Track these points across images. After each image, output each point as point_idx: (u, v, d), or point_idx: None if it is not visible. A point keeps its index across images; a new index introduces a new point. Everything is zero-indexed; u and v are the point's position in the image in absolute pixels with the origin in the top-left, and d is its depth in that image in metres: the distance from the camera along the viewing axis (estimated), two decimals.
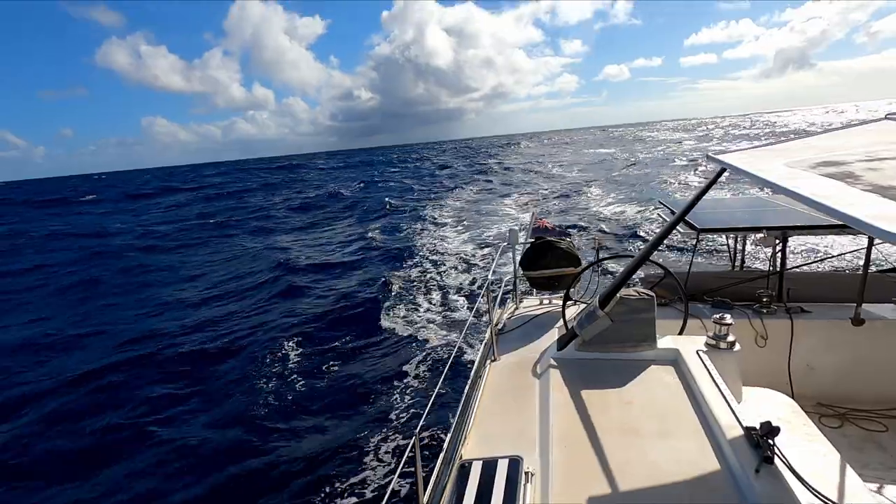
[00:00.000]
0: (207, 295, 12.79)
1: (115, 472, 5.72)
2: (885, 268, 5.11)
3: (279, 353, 8.44)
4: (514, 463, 2.09)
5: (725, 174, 2.83)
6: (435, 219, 21.20)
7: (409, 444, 1.73)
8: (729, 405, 2.27)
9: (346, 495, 4.98)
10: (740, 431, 2.09)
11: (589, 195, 23.77)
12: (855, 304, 3.48)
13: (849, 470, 2.21)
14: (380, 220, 22.64)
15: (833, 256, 7.74)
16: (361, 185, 42.28)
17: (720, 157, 2.63)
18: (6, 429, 6.87)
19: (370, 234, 18.86)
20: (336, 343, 8.76)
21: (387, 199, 29.06)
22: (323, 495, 5.01)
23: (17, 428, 6.85)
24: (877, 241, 3.45)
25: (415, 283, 11.86)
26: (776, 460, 1.89)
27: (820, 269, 7.36)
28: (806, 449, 2.38)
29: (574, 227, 16.11)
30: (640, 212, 17.76)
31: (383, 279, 12.01)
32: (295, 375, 7.65)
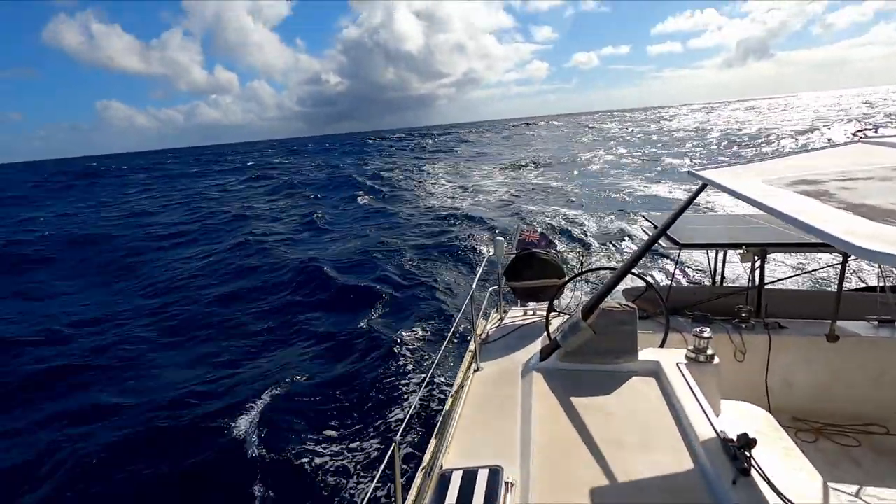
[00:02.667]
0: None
1: None
2: (860, 286, 5.23)
3: (247, 350, 8.25)
4: (495, 472, 2.08)
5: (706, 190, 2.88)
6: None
7: (387, 452, 1.71)
8: (708, 418, 2.30)
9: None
10: (718, 443, 2.12)
11: None
12: (830, 321, 3.55)
13: (824, 484, 2.25)
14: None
15: (808, 272, 7.91)
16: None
17: (701, 172, 2.69)
18: None
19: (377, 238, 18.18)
20: (309, 344, 8.56)
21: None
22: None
23: None
24: (850, 258, 3.54)
25: (396, 289, 11.73)
26: (753, 472, 1.91)
27: (797, 287, 7.50)
28: (782, 462, 2.41)
29: (561, 235, 16.15)
30: None
31: (367, 283, 11.87)
32: (266, 377, 7.49)
